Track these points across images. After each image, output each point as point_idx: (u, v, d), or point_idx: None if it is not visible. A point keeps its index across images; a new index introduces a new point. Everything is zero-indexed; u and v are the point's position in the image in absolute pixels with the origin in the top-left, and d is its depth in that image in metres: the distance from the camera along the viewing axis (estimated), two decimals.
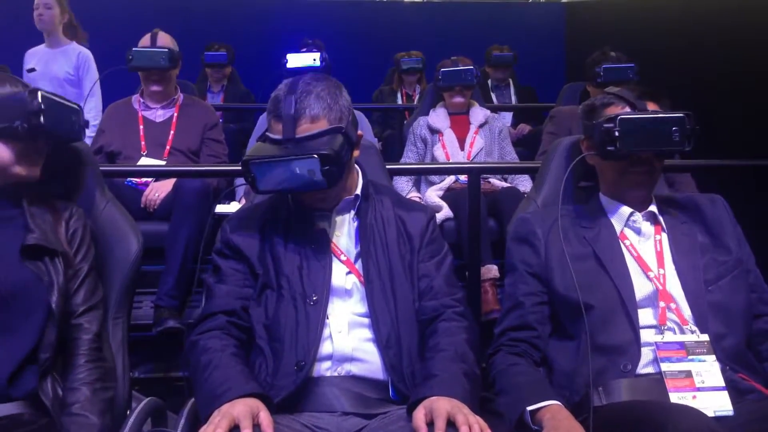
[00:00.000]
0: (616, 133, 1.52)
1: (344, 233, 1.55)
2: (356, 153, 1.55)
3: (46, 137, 1.51)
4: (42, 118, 1.43)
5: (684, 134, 1.53)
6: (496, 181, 3.24)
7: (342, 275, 1.49)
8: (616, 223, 1.62)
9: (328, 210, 1.55)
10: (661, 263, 1.56)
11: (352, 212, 1.57)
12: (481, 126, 3.43)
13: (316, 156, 1.39)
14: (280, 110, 1.46)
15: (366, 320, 1.47)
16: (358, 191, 1.57)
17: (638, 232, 1.62)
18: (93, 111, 3.67)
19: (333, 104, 1.47)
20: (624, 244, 1.59)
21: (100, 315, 1.52)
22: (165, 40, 3.12)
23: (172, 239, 2.62)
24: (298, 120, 1.44)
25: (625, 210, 1.62)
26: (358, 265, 1.51)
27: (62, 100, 1.53)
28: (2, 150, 1.46)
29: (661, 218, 1.63)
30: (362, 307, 1.48)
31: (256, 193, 1.51)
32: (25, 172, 1.49)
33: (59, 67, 3.72)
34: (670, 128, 1.52)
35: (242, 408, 1.23)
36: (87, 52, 3.82)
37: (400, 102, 5.15)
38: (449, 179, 3.24)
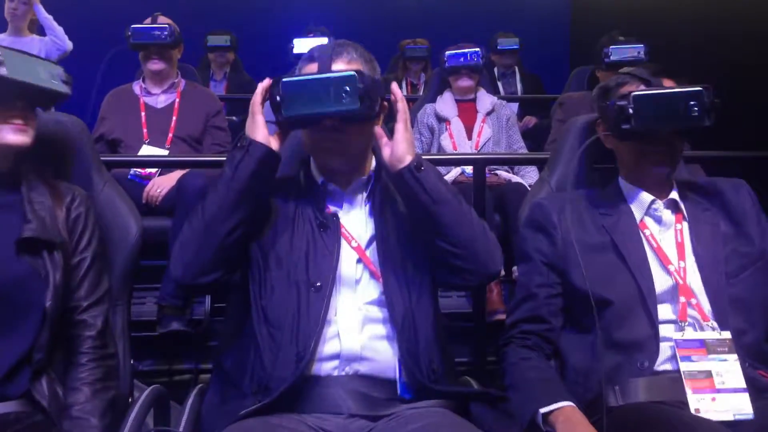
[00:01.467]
0: (630, 111, 1.45)
1: (356, 216, 1.51)
2: (380, 122, 1.50)
3: (20, 92, 1.40)
4: (5, 70, 1.34)
5: (703, 109, 1.45)
6: (504, 173, 3.20)
7: (352, 263, 1.45)
8: (636, 210, 1.56)
9: (339, 172, 1.51)
10: (681, 255, 1.50)
11: (364, 194, 1.52)
12: (488, 114, 3.40)
13: (354, 72, 1.37)
14: (314, 52, 1.49)
15: (378, 310, 1.42)
16: (371, 171, 1.54)
17: (659, 221, 1.55)
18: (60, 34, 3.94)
19: (369, 59, 1.49)
20: (644, 233, 1.53)
21: (105, 309, 1.48)
22: (166, 21, 3.09)
23: (175, 236, 2.58)
24: (335, 58, 1.46)
25: (646, 197, 1.56)
26: (371, 250, 1.47)
27: (25, 54, 1.43)
28: None
29: (682, 206, 1.56)
30: (374, 294, 1.43)
31: (280, 119, 1.42)
32: (16, 139, 1.40)
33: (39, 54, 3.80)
34: (687, 103, 1.45)
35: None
36: (46, 38, 4.05)
37: (404, 91, 5.11)
38: (455, 171, 3.19)
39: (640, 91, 1.48)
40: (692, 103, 1.45)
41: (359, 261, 1.46)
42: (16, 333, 1.35)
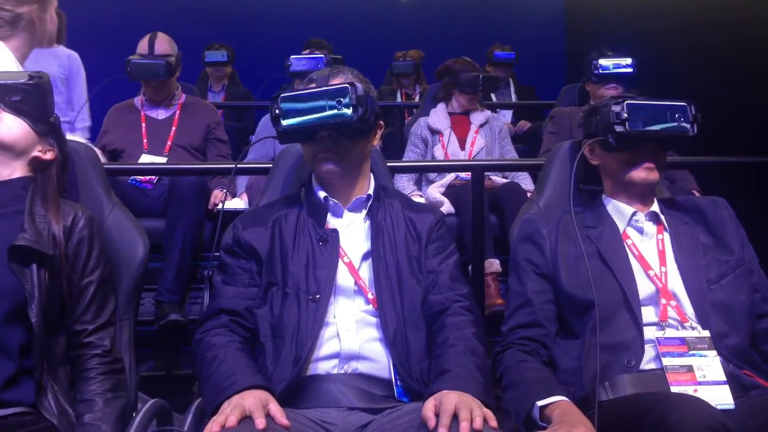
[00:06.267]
0: (625, 115, 1.58)
1: (354, 233, 1.57)
2: (376, 141, 1.61)
3: None
4: None
5: (688, 121, 1.61)
6: (497, 178, 3.25)
7: (348, 275, 1.52)
8: (619, 222, 1.64)
9: (337, 182, 1.57)
10: (663, 262, 1.58)
11: (364, 211, 1.60)
12: (481, 126, 3.44)
13: (347, 85, 1.46)
14: (313, 75, 1.57)
15: (373, 319, 1.49)
16: (370, 192, 1.61)
17: (641, 231, 1.64)
18: (84, 114, 3.72)
19: (364, 80, 1.56)
20: (626, 243, 1.61)
21: (112, 331, 1.50)
22: (163, 44, 3.10)
23: (169, 234, 2.66)
24: (331, 79, 1.54)
25: (628, 210, 1.65)
26: (366, 265, 1.54)
27: None
28: None
29: (663, 218, 1.65)
30: (369, 307, 1.50)
31: (279, 130, 1.51)
32: None
33: (50, 66, 3.75)
34: (674, 114, 1.60)
35: (253, 400, 1.25)
36: (76, 55, 3.83)
37: (399, 100, 5.16)
38: (450, 176, 3.24)
39: (634, 100, 1.61)
40: (678, 114, 1.60)
41: (353, 273, 1.52)
42: (4, 344, 1.36)
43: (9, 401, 1.35)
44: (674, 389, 1.42)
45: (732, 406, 1.39)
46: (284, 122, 1.49)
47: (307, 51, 4.06)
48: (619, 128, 1.58)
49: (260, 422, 1.19)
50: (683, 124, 1.60)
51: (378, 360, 1.46)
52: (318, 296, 1.46)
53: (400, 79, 5.20)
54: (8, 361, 1.35)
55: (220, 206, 2.74)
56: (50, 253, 1.41)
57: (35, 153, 1.53)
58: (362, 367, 1.44)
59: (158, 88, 3.11)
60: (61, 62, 3.68)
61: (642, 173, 1.62)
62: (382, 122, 1.62)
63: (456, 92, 3.44)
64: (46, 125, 1.54)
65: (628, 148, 1.61)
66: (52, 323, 1.42)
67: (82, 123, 3.58)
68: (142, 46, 3.10)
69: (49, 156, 1.54)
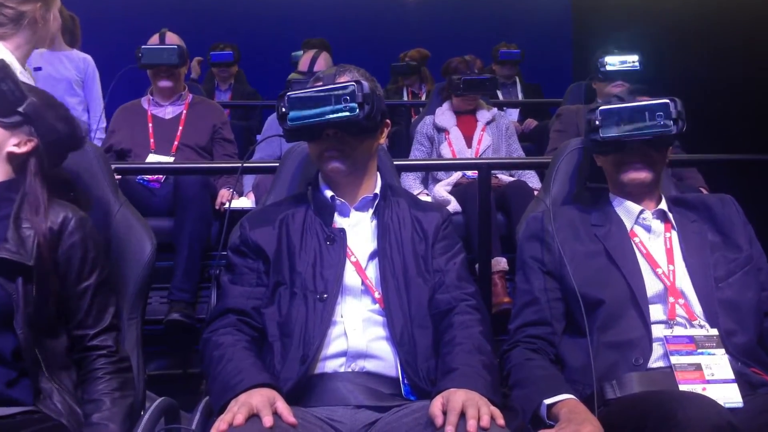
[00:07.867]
0: (597, 123, 1.58)
1: (361, 232, 1.58)
2: (382, 140, 1.62)
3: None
4: None
5: (670, 119, 1.56)
6: (503, 176, 3.25)
7: (355, 274, 1.52)
8: (627, 220, 1.64)
9: (343, 181, 1.58)
10: (670, 260, 1.58)
11: (370, 211, 1.60)
12: (488, 124, 3.43)
13: (353, 83, 1.47)
14: (320, 74, 1.59)
15: (380, 318, 1.49)
16: (377, 191, 1.61)
17: (648, 229, 1.64)
18: (99, 115, 3.76)
19: (370, 78, 1.57)
20: (634, 241, 1.61)
21: (115, 333, 1.49)
22: (173, 39, 3.18)
23: (177, 233, 2.68)
24: (338, 77, 1.55)
25: (635, 208, 1.64)
26: (373, 265, 1.54)
27: None
28: None
29: (671, 216, 1.65)
30: (376, 306, 1.50)
31: (285, 128, 1.52)
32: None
33: (67, 69, 3.78)
34: (655, 114, 1.57)
35: (260, 398, 1.25)
36: (90, 58, 3.87)
37: (405, 98, 5.17)
38: (456, 175, 3.25)
39: (607, 105, 1.61)
40: (659, 113, 1.56)
41: (360, 273, 1.52)
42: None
43: (15, 400, 1.35)
44: (683, 387, 1.41)
45: (740, 405, 1.39)
46: (291, 120, 1.50)
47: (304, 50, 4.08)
48: (594, 136, 1.59)
49: (267, 420, 1.20)
50: (664, 123, 1.56)
51: (385, 358, 1.46)
52: (325, 296, 1.46)
53: (402, 78, 5.21)
54: (6, 368, 1.35)
55: (227, 205, 2.75)
56: (31, 264, 1.36)
57: (9, 149, 1.44)
58: (369, 365, 1.45)
59: (168, 77, 3.13)
60: (77, 65, 3.75)
61: (630, 174, 1.61)
62: (388, 120, 1.63)
63: (452, 93, 3.46)
64: (15, 115, 1.43)
65: (614, 151, 1.61)
66: (46, 329, 1.40)
67: (99, 125, 3.65)
68: (153, 41, 3.17)
69: (26, 148, 1.45)
